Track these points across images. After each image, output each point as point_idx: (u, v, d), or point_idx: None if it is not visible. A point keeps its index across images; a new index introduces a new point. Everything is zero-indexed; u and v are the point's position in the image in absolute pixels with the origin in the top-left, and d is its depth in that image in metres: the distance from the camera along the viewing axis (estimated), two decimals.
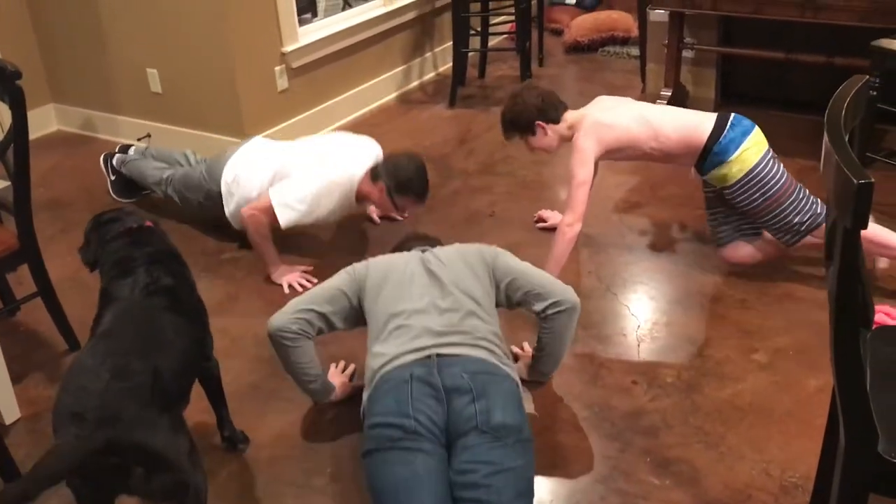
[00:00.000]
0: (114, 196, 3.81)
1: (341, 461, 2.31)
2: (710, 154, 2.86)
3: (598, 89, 4.98)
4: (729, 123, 2.87)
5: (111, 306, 1.97)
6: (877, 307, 2.65)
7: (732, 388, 2.50)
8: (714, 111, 4.51)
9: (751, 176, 2.81)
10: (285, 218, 3.07)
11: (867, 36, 3.41)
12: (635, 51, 5.31)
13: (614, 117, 2.97)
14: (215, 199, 3.31)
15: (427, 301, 2.24)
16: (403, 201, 3.11)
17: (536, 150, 3.14)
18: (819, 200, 2.85)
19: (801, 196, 2.83)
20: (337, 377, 2.54)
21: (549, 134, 3.04)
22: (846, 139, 1.33)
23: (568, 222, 2.91)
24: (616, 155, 3.00)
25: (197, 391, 2.19)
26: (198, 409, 2.23)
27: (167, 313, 1.97)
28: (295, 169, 3.15)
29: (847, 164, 1.19)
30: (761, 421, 2.36)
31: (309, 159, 3.19)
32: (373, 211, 3.59)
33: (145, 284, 1.99)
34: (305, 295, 2.40)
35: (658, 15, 4.34)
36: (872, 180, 1.16)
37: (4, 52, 4.19)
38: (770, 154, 2.85)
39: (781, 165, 2.87)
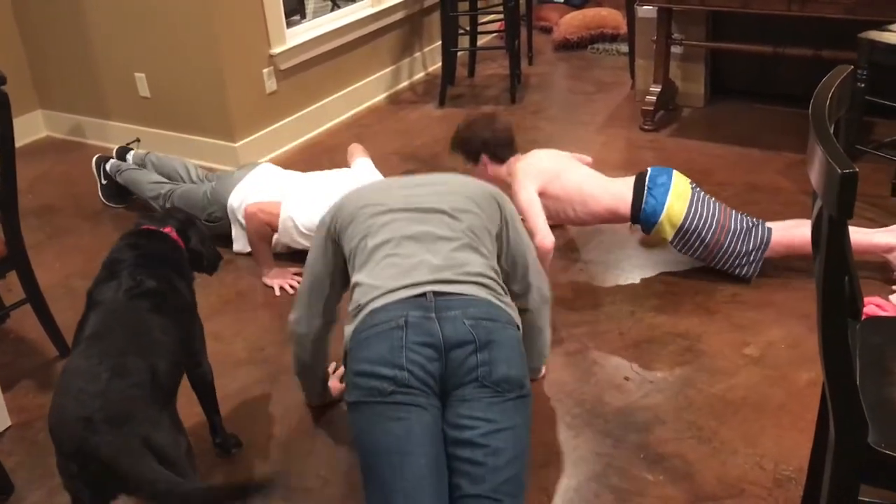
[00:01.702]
0: (104, 201, 3.80)
1: (334, 463, 2.30)
2: (641, 221, 2.95)
3: (588, 87, 5.00)
4: (646, 188, 2.92)
5: (95, 309, 1.96)
6: (868, 299, 2.66)
7: (725, 382, 2.49)
8: (704, 107, 4.56)
9: (683, 230, 2.87)
10: (286, 238, 3.11)
11: (854, 29, 3.42)
12: (624, 48, 5.31)
13: (550, 165, 3.04)
14: (216, 220, 3.29)
15: (419, 226, 2.03)
16: None
17: (474, 177, 3.16)
18: (759, 221, 2.91)
19: (739, 228, 2.87)
20: (329, 379, 2.53)
21: (489, 170, 3.08)
22: (831, 130, 1.33)
23: (537, 241, 2.85)
24: (544, 202, 2.98)
25: (187, 395, 2.19)
26: (191, 412, 2.22)
27: (151, 315, 1.96)
28: (304, 201, 3.12)
29: (831, 154, 1.19)
30: (754, 415, 2.36)
31: (319, 193, 3.12)
32: None
33: (128, 287, 1.98)
34: (302, 295, 2.29)
35: (646, 11, 4.34)
36: (856, 170, 1.15)
37: None
38: (695, 201, 2.89)
39: (712, 205, 2.91)
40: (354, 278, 2.04)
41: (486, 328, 1.86)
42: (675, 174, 2.97)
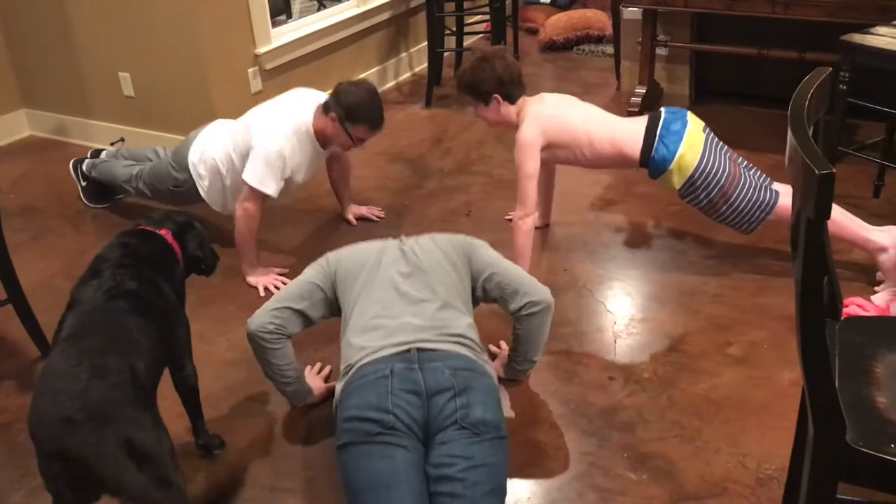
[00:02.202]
0: (86, 202, 3.78)
1: (316, 465, 2.29)
2: (649, 167, 2.91)
3: (574, 88, 5.00)
4: (657, 134, 2.87)
5: (73, 310, 1.95)
6: (850, 299, 2.68)
7: (708, 382, 2.51)
8: (689, 108, 4.57)
9: (692, 180, 2.84)
10: (270, 188, 3.06)
11: (837, 31, 3.44)
12: (610, 49, 5.32)
13: (558, 111, 3.00)
14: (184, 184, 3.31)
15: (404, 291, 2.23)
16: (357, 130, 3.03)
17: (482, 118, 3.11)
18: (768, 183, 2.88)
19: (747, 185, 2.83)
20: (313, 379, 2.53)
21: (501, 110, 3.00)
22: (810, 131, 1.33)
23: (520, 216, 2.95)
24: (554, 152, 2.99)
25: (172, 396, 2.18)
26: (174, 413, 2.21)
27: (130, 315, 1.95)
28: (253, 128, 3.11)
29: (809, 154, 1.20)
30: (737, 414, 2.37)
31: (264, 118, 3.15)
32: (350, 211, 3.58)
33: (108, 288, 1.97)
34: (280, 293, 2.40)
35: (631, 13, 4.36)
36: (834, 171, 1.16)
37: None
38: (708, 151, 2.84)
39: (724, 157, 2.87)
40: (344, 337, 2.22)
41: (464, 377, 2.02)
42: (690, 119, 2.91)
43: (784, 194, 2.85)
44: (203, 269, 2.36)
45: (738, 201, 2.83)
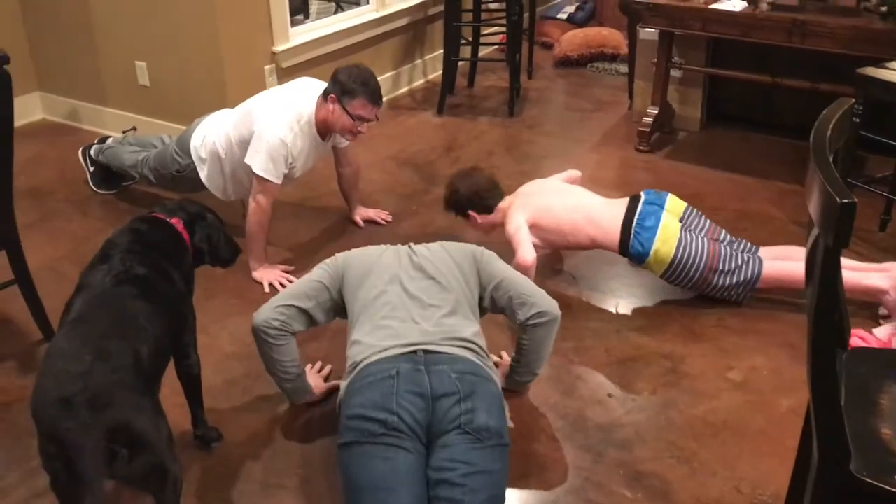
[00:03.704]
0: (93, 188, 3.79)
1: (314, 462, 2.29)
2: (630, 258, 2.98)
3: (586, 104, 5.03)
4: (632, 232, 2.93)
5: (82, 293, 1.96)
6: (852, 331, 2.68)
7: (707, 405, 2.51)
8: (699, 131, 4.59)
9: (671, 269, 2.91)
10: (276, 175, 3.06)
11: (851, 63, 3.46)
12: (623, 68, 5.35)
13: (541, 195, 3.10)
14: (186, 169, 3.34)
15: (414, 295, 2.24)
16: (356, 106, 3.02)
17: (475, 230, 3.24)
18: (752, 254, 2.94)
19: (728, 269, 2.88)
20: (313, 378, 2.53)
21: (479, 222, 3.16)
22: (830, 160, 1.34)
23: (518, 259, 2.93)
24: (543, 235, 3.03)
25: (170, 385, 2.18)
26: (172, 403, 2.21)
27: (137, 301, 1.95)
28: (254, 113, 3.12)
29: (831, 183, 1.21)
30: (734, 439, 2.38)
31: (266, 105, 3.15)
32: (358, 213, 3.59)
33: (117, 272, 1.98)
34: (286, 290, 2.41)
35: (648, 34, 4.38)
36: (855, 200, 1.17)
37: None
38: (684, 243, 2.88)
39: (701, 242, 2.90)
40: (352, 335, 2.22)
41: (470, 381, 2.02)
42: (668, 207, 2.98)
43: (769, 259, 2.92)
44: (214, 261, 2.34)
45: (720, 281, 2.90)
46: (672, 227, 2.93)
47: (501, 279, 2.36)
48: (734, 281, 2.89)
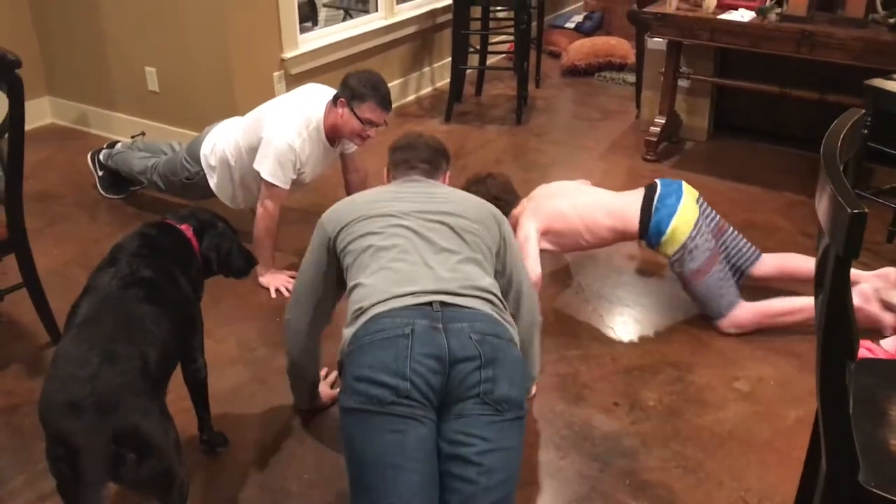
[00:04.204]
0: (102, 192, 3.81)
1: (319, 468, 2.29)
2: (648, 238, 2.94)
3: (593, 113, 5.04)
4: (655, 203, 2.91)
5: (88, 296, 1.96)
6: (860, 342, 2.67)
7: (713, 415, 2.51)
8: (707, 140, 4.59)
9: (684, 249, 2.86)
10: (284, 181, 3.07)
11: (859, 75, 3.46)
12: (631, 77, 5.35)
13: (552, 200, 3.05)
14: (195, 176, 3.35)
15: (426, 236, 2.02)
16: (365, 110, 3.03)
17: None
18: (734, 285, 2.92)
19: (719, 275, 2.86)
20: (320, 384, 2.53)
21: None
22: (841, 170, 1.35)
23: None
24: (557, 240, 3.01)
25: (175, 390, 2.18)
26: (178, 408, 2.21)
27: (143, 304, 1.95)
28: (264, 120, 3.13)
29: (841, 193, 1.21)
30: (740, 449, 2.37)
31: (275, 112, 3.17)
32: None
33: (123, 275, 1.98)
34: (296, 294, 2.31)
35: (656, 43, 4.39)
36: (866, 210, 1.17)
37: (2, 43, 4.17)
38: (699, 227, 2.87)
39: (710, 240, 2.90)
40: (355, 280, 1.99)
41: (491, 345, 1.84)
42: (685, 192, 2.94)
43: (772, 264, 2.96)
44: (226, 270, 2.32)
45: (704, 287, 2.86)
46: (691, 207, 2.91)
47: (516, 259, 2.24)
48: (716, 291, 2.85)
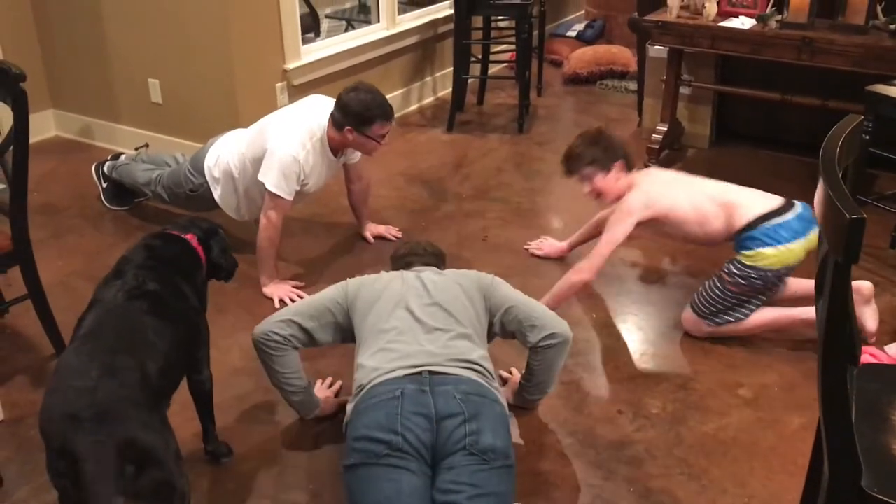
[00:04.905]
0: (106, 204, 3.82)
1: (323, 477, 2.30)
2: (749, 235, 2.76)
3: (595, 121, 5.04)
4: (796, 214, 2.77)
5: (93, 308, 1.97)
6: (863, 348, 2.67)
7: (717, 422, 2.50)
8: (709, 147, 4.60)
9: (762, 273, 2.73)
10: (287, 192, 3.09)
11: (860, 81, 3.47)
12: (633, 85, 5.36)
13: (669, 190, 2.91)
14: (199, 188, 3.37)
15: (421, 319, 2.23)
16: (375, 130, 3.08)
17: (596, 189, 2.94)
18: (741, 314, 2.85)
19: (747, 305, 2.81)
20: (323, 393, 2.54)
21: (616, 180, 2.91)
22: (840, 176, 1.35)
23: (580, 268, 2.86)
24: (659, 227, 2.92)
25: (181, 401, 2.19)
26: (182, 418, 2.22)
27: (147, 316, 1.96)
28: (267, 132, 3.15)
29: (840, 199, 1.22)
30: (744, 456, 2.37)
31: (279, 123, 3.19)
32: (369, 230, 3.61)
33: (129, 288, 1.99)
34: (293, 306, 2.43)
35: (657, 51, 4.40)
36: (864, 216, 1.18)
37: (7, 56, 4.21)
38: (780, 273, 2.76)
39: (777, 284, 2.83)
40: (358, 359, 2.22)
41: (474, 402, 2.01)
42: (807, 238, 2.75)
43: (759, 313, 2.83)
44: (222, 276, 2.38)
45: (727, 294, 2.79)
46: (798, 252, 2.72)
47: (510, 305, 2.36)
48: (727, 301, 2.80)
